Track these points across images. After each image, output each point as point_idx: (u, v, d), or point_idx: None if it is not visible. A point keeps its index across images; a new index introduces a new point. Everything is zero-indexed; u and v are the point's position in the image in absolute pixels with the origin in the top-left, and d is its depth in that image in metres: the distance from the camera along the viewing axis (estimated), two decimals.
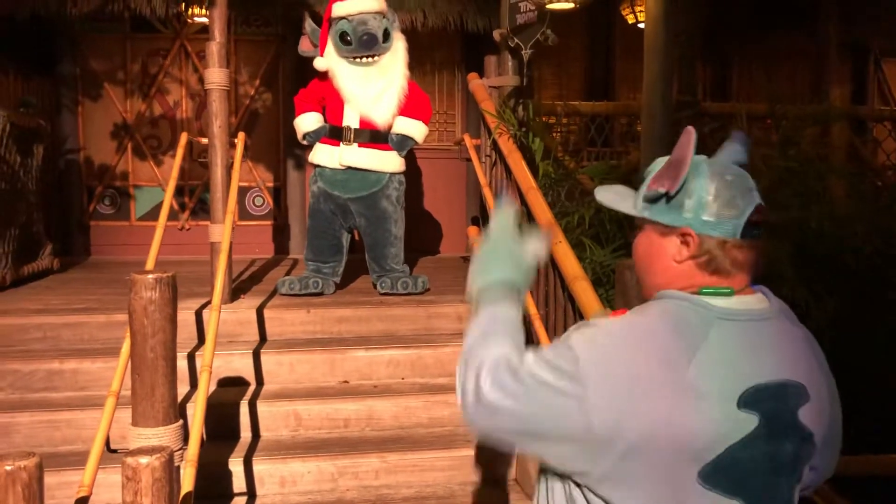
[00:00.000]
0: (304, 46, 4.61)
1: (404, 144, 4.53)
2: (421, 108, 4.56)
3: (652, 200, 1.31)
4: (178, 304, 2.61)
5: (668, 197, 1.28)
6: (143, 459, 1.73)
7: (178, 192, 6.64)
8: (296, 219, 6.76)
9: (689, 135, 1.26)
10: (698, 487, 1.17)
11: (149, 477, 1.72)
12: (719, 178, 1.26)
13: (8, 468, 1.61)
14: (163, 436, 2.38)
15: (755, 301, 1.29)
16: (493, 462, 3.43)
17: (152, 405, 2.39)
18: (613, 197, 1.39)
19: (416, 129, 4.53)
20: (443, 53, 6.85)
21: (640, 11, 6.35)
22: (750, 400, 1.18)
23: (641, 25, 6.48)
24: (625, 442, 1.15)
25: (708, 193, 1.25)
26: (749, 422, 1.18)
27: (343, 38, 4.39)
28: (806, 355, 1.29)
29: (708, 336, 1.20)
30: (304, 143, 4.66)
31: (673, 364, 1.17)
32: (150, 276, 2.38)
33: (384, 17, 4.48)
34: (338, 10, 4.43)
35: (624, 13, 6.65)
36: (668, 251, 1.30)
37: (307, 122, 4.56)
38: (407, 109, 4.51)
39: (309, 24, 4.59)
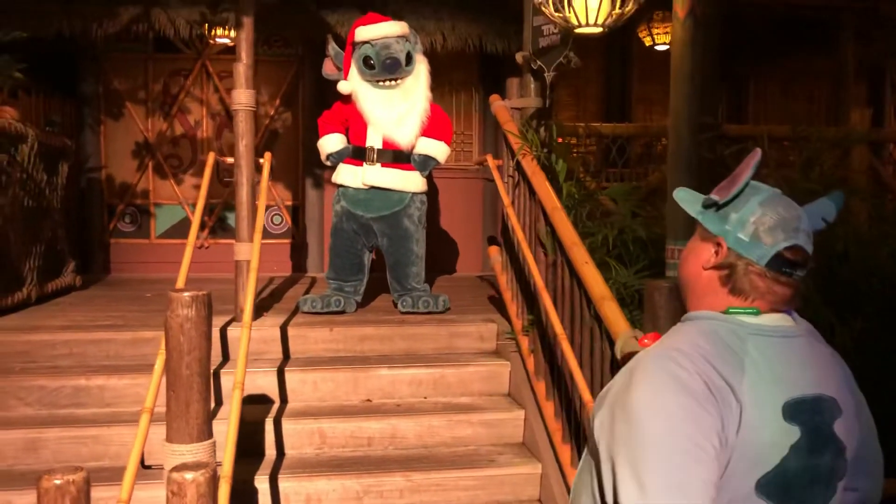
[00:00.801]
0: (328, 69, 4.67)
1: (427, 164, 4.58)
2: (443, 129, 4.62)
3: (707, 207, 1.39)
4: None
5: (717, 206, 1.36)
6: (189, 475, 1.76)
7: None
8: (314, 237, 6.80)
9: (754, 155, 1.33)
10: (755, 498, 1.22)
11: (194, 492, 1.74)
12: (771, 208, 1.32)
13: (57, 482, 1.64)
14: (196, 452, 2.41)
15: (781, 319, 1.35)
16: (517, 482, 3.43)
17: (187, 422, 2.42)
18: (687, 197, 1.46)
19: (438, 150, 4.59)
20: (461, 74, 6.92)
21: (658, 34, 6.42)
22: (791, 412, 1.24)
23: (659, 48, 6.56)
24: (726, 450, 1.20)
25: (752, 215, 1.32)
26: (793, 433, 1.23)
27: (366, 62, 4.46)
28: (835, 372, 1.35)
29: (748, 351, 1.26)
30: (328, 163, 4.71)
31: (729, 381, 1.22)
32: (187, 293, 2.42)
33: (406, 40, 4.55)
34: (361, 34, 4.50)
35: (641, 35, 6.71)
36: (701, 255, 1.38)
37: (331, 143, 4.62)
38: (429, 130, 4.58)
39: (332, 47, 4.66)
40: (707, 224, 1.37)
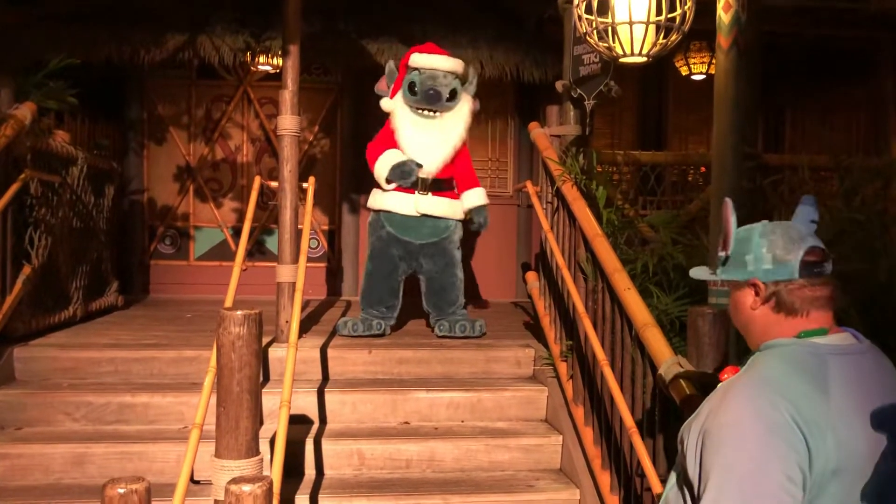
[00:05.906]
0: (381, 86, 4.77)
1: (484, 217, 4.75)
2: (472, 174, 4.80)
3: (721, 264, 1.57)
4: None
5: (727, 259, 1.54)
6: (246, 487, 1.80)
7: (236, 233, 6.82)
8: (349, 262, 6.88)
9: (726, 206, 1.55)
10: None
11: None
12: (773, 233, 1.50)
13: (121, 491, 1.69)
14: (245, 468, 2.44)
15: (849, 337, 1.46)
16: None
17: (236, 438, 2.46)
18: (700, 271, 1.67)
19: (483, 198, 4.75)
20: (497, 102, 7.00)
21: (694, 63, 6.46)
22: (878, 421, 1.34)
23: (695, 77, 6.59)
24: (812, 479, 1.29)
25: (762, 248, 1.48)
26: (882, 441, 1.33)
27: (411, 87, 4.57)
28: None
29: (829, 371, 1.37)
30: (390, 181, 4.55)
31: (817, 405, 1.32)
32: (239, 312, 2.47)
33: (456, 77, 4.64)
34: (414, 60, 4.63)
35: (677, 64, 6.75)
36: (745, 302, 1.52)
37: (391, 155, 4.55)
38: (462, 178, 4.71)
39: (390, 65, 4.76)
40: (732, 276, 1.54)
